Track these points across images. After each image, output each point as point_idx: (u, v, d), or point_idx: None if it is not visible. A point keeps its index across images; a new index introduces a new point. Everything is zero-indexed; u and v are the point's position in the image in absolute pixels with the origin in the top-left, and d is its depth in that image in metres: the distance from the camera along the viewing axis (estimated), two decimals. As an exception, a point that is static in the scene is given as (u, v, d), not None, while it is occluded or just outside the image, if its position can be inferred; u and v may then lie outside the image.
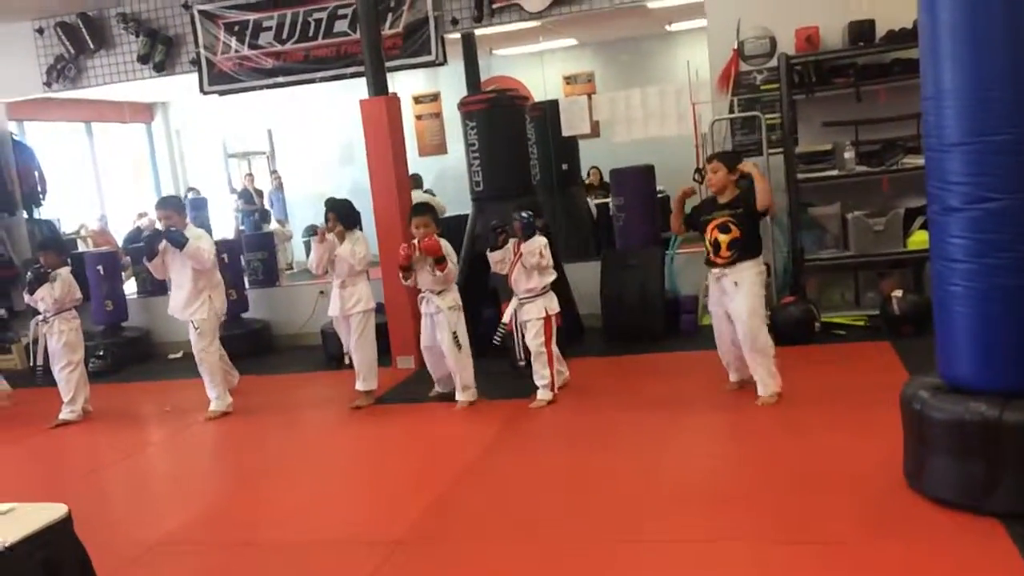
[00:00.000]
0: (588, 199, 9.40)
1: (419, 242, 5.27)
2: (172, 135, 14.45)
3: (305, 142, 13.20)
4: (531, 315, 5.32)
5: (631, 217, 7.11)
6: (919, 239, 6.34)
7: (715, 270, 4.85)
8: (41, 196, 8.86)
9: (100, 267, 8.14)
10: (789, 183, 6.49)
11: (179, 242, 5.65)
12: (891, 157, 6.41)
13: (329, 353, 7.03)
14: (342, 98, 9.40)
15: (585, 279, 6.99)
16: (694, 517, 3.54)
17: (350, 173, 11.71)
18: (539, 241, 5.26)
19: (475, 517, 3.79)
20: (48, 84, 8.33)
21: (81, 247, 10.36)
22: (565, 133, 7.45)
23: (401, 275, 5.51)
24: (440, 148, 11.14)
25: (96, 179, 13.02)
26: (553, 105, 7.67)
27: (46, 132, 11.25)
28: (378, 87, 6.63)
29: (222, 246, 8.74)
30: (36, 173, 8.82)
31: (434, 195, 10.89)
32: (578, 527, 3.56)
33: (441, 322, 5.41)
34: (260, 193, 12.79)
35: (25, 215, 8.74)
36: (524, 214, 5.29)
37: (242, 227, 11.15)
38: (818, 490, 3.64)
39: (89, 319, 8.22)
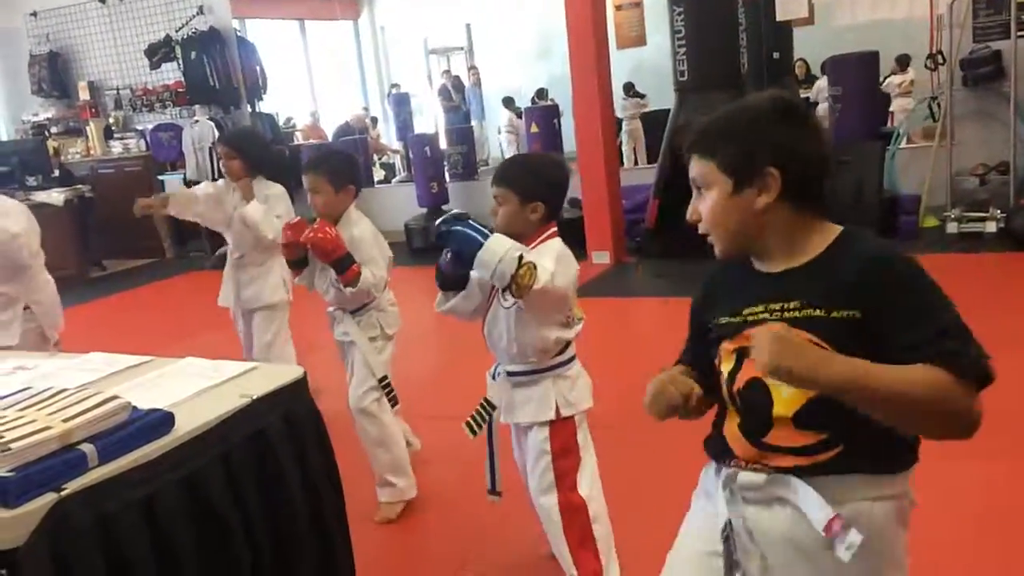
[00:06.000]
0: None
1: (308, 230, 2.82)
2: (377, 31, 14.89)
3: (503, 36, 13.19)
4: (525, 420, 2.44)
5: (848, 108, 6.57)
6: None
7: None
8: (262, 91, 9.43)
9: (313, 159, 8.60)
10: (1041, 69, 5.75)
11: None
12: None
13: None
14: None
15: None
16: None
17: (546, 67, 11.61)
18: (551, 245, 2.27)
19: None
20: (267, -19, 8.73)
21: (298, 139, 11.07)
22: (780, 18, 6.91)
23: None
24: (639, 40, 10.69)
25: (308, 75, 13.73)
26: (767, -13, 7.12)
27: (265, 30, 11.89)
28: (582, -28, 6.43)
29: (424, 139, 9.03)
30: (258, 69, 9.36)
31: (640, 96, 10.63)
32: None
33: (356, 359, 3.08)
34: (460, 89, 12.99)
35: (249, 109, 9.35)
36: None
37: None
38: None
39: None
